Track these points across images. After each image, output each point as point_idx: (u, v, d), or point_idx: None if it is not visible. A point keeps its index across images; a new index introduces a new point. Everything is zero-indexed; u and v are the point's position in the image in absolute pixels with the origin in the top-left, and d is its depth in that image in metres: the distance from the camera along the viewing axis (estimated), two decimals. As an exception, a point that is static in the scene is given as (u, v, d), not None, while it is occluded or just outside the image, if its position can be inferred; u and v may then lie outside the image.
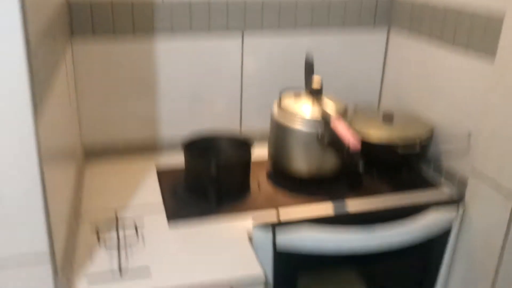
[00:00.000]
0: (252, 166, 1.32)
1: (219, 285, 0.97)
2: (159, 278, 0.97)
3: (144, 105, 1.45)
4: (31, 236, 0.81)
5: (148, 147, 1.50)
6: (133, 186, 1.32)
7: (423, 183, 1.34)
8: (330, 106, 1.26)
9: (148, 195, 1.27)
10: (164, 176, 1.37)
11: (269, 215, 1.13)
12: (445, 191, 1.30)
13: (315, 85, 1.26)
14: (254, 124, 1.56)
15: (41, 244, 0.82)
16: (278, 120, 1.27)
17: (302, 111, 1.23)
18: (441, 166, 1.36)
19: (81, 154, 1.41)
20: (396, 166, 1.36)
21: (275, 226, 1.09)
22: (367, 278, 1.26)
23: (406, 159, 1.32)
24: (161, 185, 1.32)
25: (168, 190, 1.29)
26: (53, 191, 0.86)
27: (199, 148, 1.32)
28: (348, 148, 1.08)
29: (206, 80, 1.48)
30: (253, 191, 1.29)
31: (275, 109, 1.29)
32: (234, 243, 1.09)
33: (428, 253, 1.25)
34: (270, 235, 1.08)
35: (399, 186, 1.32)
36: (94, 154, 1.46)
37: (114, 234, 1.09)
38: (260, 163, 1.40)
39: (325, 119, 1.19)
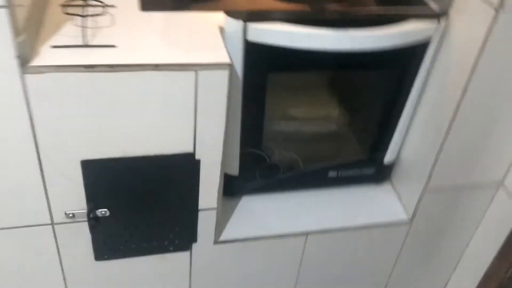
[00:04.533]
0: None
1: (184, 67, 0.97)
2: (123, 53, 0.96)
3: None
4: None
5: None
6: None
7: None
8: None
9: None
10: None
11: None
12: (432, 6, 1.24)
13: None
14: None
15: None
16: None
17: None
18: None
19: None
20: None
21: (247, 15, 1.05)
22: (338, 90, 1.25)
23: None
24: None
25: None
26: None
27: None
28: None
29: None
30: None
31: None
32: (204, 33, 1.07)
33: (402, 65, 1.24)
34: (241, 24, 1.05)
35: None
36: None
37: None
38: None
39: None
